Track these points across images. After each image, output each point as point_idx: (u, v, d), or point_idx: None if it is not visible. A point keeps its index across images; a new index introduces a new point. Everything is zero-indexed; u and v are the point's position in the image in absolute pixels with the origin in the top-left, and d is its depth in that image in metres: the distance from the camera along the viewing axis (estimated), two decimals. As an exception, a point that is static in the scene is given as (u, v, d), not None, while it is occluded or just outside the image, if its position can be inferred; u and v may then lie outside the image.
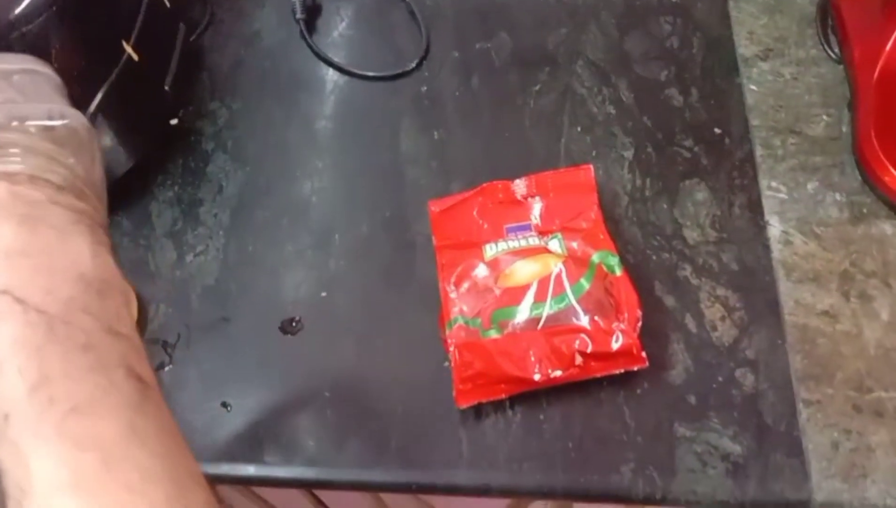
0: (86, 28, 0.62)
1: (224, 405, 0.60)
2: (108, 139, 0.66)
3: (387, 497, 0.83)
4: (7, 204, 0.33)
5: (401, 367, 0.60)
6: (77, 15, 0.60)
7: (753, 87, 0.72)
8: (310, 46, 0.79)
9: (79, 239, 0.33)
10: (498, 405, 0.58)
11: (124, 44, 0.65)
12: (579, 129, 0.71)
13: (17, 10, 0.57)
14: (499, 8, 0.80)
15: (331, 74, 0.78)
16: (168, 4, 0.72)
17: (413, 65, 0.76)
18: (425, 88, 0.76)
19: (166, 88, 0.71)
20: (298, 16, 0.79)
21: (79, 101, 0.62)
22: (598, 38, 0.76)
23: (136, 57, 0.66)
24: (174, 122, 0.74)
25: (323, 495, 0.82)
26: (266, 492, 0.83)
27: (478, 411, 0.58)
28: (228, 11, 0.83)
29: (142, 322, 0.64)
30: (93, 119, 0.63)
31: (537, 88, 0.74)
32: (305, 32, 0.79)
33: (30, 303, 0.30)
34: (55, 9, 0.58)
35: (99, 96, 0.63)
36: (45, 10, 0.58)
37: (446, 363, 0.59)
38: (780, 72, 0.73)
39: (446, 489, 0.56)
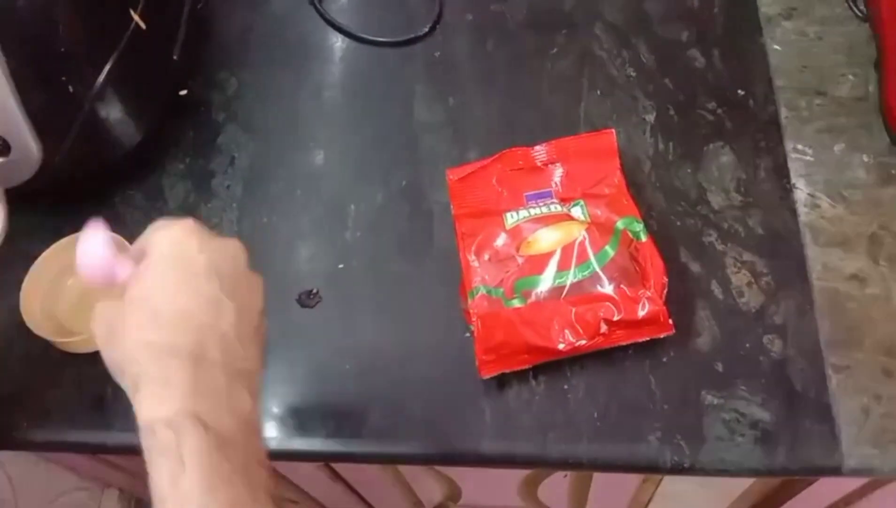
0: (92, -4, 0.60)
1: (243, 379, 0.59)
2: (117, 111, 0.65)
3: (406, 472, 0.82)
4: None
5: (422, 338, 0.59)
6: (83, -18, 0.58)
7: (777, 46, 0.70)
8: (319, 13, 0.77)
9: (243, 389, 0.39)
10: (521, 376, 0.57)
11: (132, 13, 0.63)
12: (599, 92, 0.69)
13: (22, -22, 0.55)
14: (513, -31, 0.78)
15: (341, 41, 0.76)
16: (174, -29, 0.70)
17: (426, 29, 0.75)
18: (439, 53, 0.74)
19: (175, 57, 0.70)
20: (307, -19, 0.77)
21: (87, 72, 0.61)
22: (616, -2, 0.74)
23: (143, 26, 0.64)
24: (183, 92, 0.72)
25: (342, 471, 0.81)
26: (285, 469, 0.82)
27: (501, 381, 0.57)
28: (235, -22, 0.80)
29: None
30: (102, 91, 0.62)
31: (554, 51, 0.72)
32: (314, -2, 0.77)
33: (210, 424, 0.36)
34: (61, -24, 0.57)
35: (107, 67, 0.62)
36: (50, -22, 0.56)
37: (468, 334, 0.58)
38: (805, 31, 0.71)
39: (470, 459, 0.56)
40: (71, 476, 1.00)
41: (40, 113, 0.60)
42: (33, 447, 0.60)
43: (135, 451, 0.59)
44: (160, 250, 0.40)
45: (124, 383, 0.39)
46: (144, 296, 0.39)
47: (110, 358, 0.40)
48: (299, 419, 0.57)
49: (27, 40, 0.57)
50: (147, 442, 0.37)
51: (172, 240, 0.40)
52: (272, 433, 0.57)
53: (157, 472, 0.36)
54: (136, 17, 0.64)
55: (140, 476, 0.91)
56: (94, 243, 0.42)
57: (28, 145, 0.61)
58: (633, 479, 0.74)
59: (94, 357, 0.60)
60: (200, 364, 0.38)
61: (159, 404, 0.37)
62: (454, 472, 0.81)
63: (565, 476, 0.78)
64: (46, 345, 0.60)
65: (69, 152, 0.64)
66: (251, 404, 0.39)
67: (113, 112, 0.64)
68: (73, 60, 0.61)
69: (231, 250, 0.42)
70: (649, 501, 0.81)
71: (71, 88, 0.61)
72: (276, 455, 0.58)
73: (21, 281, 0.60)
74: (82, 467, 0.99)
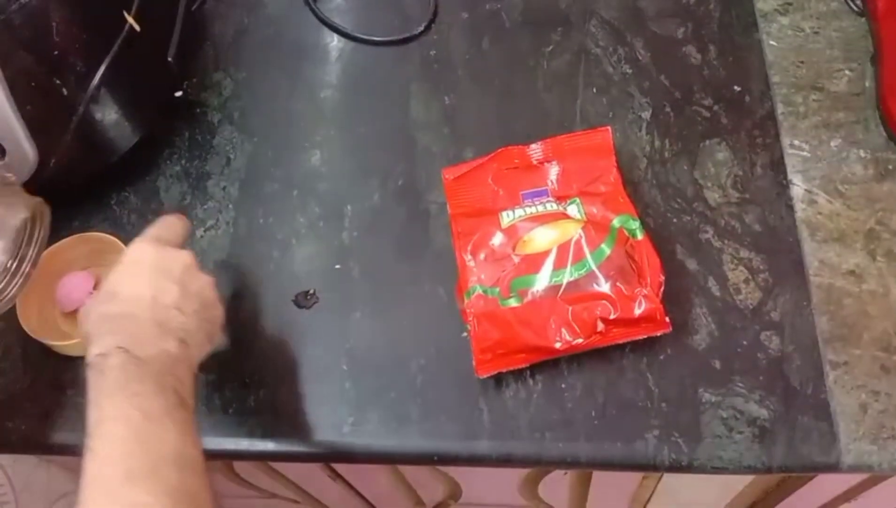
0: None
1: (244, 382, 0.59)
2: (112, 113, 0.65)
3: (405, 470, 0.82)
4: None
5: (419, 338, 0.59)
6: (76, -15, 0.58)
7: (773, 42, 0.70)
8: (314, 12, 0.77)
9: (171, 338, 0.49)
10: (519, 375, 0.57)
11: (126, 15, 0.63)
12: (595, 90, 0.69)
13: (15, -18, 0.55)
14: (508, -33, 0.78)
15: (337, 41, 0.76)
16: (168, -28, 0.70)
17: (421, 28, 0.74)
18: (434, 51, 0.74)
19: (169, 59, 0.69)
20: (302, -19, 0.77)
21: (82, 75, 0.61)
22: (611, -5, 0.74)
23: (137, 28, 0.64)
24: (179, 94, 0.72)
25: (342, 470, 0.82)
26: (285, 468, 0.82)
27: (498, 380, 0.57)
28: (230, -22, 0.80)
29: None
30: (96, 93, 0.62)
31: (550, 48, 0.72)
32: (310, -2, 0.77)
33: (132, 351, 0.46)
34: (53, -21, 0.56)
35: (102, 69, 0.62)
36: (43, -19, 0.56)
37: (464, 334, 0.58)
38: (801, 26, 0.70)
39: (468, 459, 0.56)
40: (72, 478, 1.00)
41: (35, 116, 0.60)
42: (32, 449, 0.60)
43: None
44: (124, 257, 0.52)
45: (88, 350, 0.48)
46: (109, 288, 0.50)
47: (82, 334, 0.50)
48: (297, 420, 0.57)
49: (20, 44, 0.57)
50: (88, 374, 0.46)
51: (134, 249, 0.53)
52: (270, 434, 0.57)
53: (89, 388, 0.45)
54: (129, 20, 0.64)
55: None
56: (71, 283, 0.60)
57: (23, 149, 0.61)
58: (634, 476, 0.74)
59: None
60: (136, 320, 0.48)
61: (98, 346, 0.47)
62: (454, 470, 0.81)
63: (565, 473, 0.78)
64: (44, 348, 0.60)
65: (64, 155, 0.63)
66: (178, 347, 0.48)
67: (108, 114, 0.64)
68: (66, 63, 0.60)
69: (183, 256, 0.53)
70: (650, 497, 0.81)
71: (65, 91, 0.61)
72: (276, 457, 0.58)
73: (18, 285, 0.60)
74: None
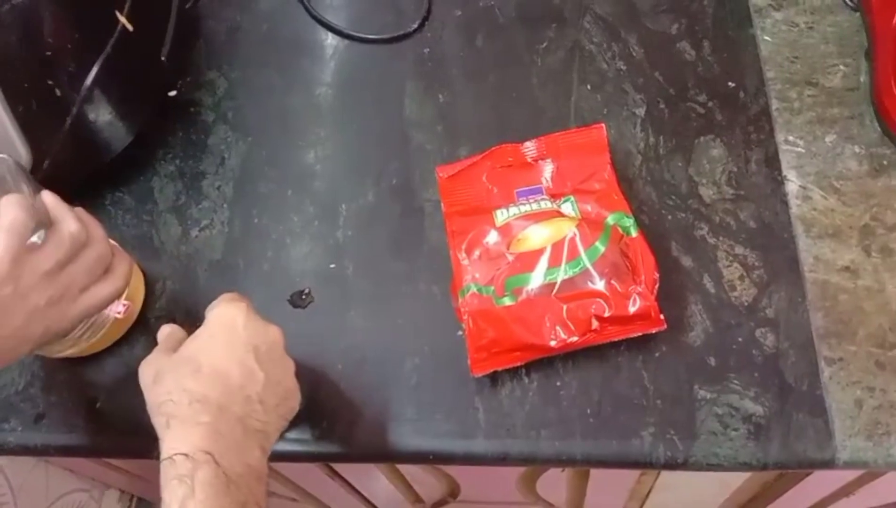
0: (77, -1, 0.60)
1: (236, 380, 0.59)
2: (105, 113, 0.64)
3: (404, 469, 0.82)
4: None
5: (414, 337, 0.59)
6: (67, -15, 0.58)
7: (767, 38, 0.69)
8: (308, 10, 0.77)
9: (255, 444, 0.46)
10: (514, 373, 0.57)
11: (118, 14, 0.63)
12: (589, 87, 0.69)
13: (6, -18, 0.55)
14: (501, -36, 0.77)
15: (330, 39, 0.75)
16: (161, -29, 0.70)
17: (415, 26, 0.74)
18: (428, 49, 0.73)
19: (163, 58, 0.69)
20: (295, -21, 0.77)
21: (75, 75, 0.61)
22: (606, -9, 0.74)
23: (130, 28, 0.64)
24: (172, 93, 0.72)
25: (340, 468, 0.82)
26: (283, 466, 0.82)
27: (493, 379, 0.57)
28: (223, -23, 0.80)
29: (148, 299, 0.62)
30: (90, 93, 0.62)
31: (544, 45, 0.71)
32: (303, -4, 0.77)
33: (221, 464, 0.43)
34: (44, -21, 0.56)
35: (94, 70, 0.62)
36: (34, -19, 0.56)
37: (459, 332, 0.58)
38: (795, 21, 0.70)
39: (464, 458, 0.56)
40: (70, 478, 1.00)
41: (28, 117, 0.60)
42: (28, 451, 0.60)
43: (130, 454, 0.59)
44: (213, 320, 0.49)
45: (157, 420, 0.46)
46: (192, 354, 0.47)
47: (150, 398, 0.47)
48: (293, 419, 0.57)
49: (12, 45, 0.57)
50: (166, 470, 0.42)
51: (224, 315, 0.49)
52: (266, 434, 0.57)
53: (170, 495, 0.41)
54: (122, 19, 0.63)
55: (139, 476, 0.91)
56: None
57: (16, 150, 0.61)
58: (631, 472, 0.74)
59: (87, 362, 0.60)
60: (223, 415, 0.45)
61: (183, 439, 0.43)
62: (453, 468, 0.81)
63: (563, 470, 0.78)
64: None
65: (58, 156, 0.63)
66: (259, 458, 0.46)
67: (101, 115, 0.64)
68: (59, 64, 0.60)
69: (272, 332, 0.50)
70: (648, 493, 0.81)
71: (58, 92, 0.61)
72: (271, 457, 0.58)
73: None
74: (82, 468, 0.99)
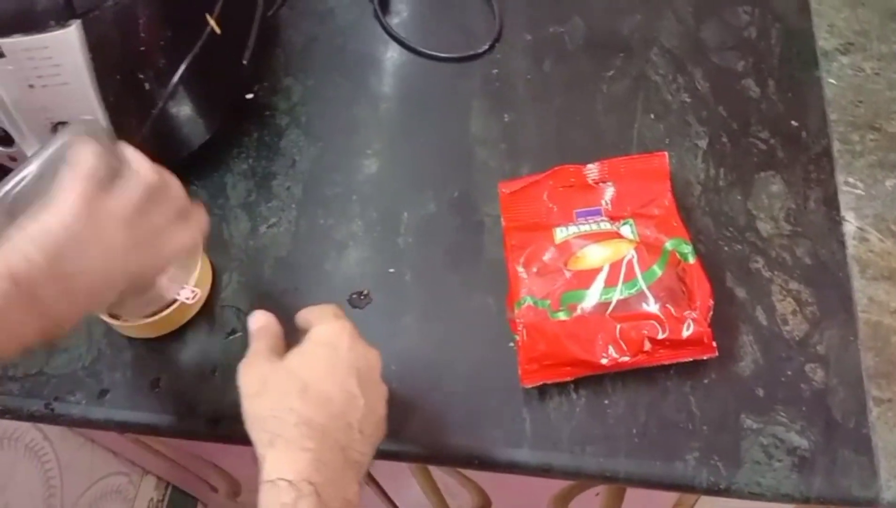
0: (173, 0, 0.63)
1: (293, 373, 0.61)
2: (188, 110, 0.68)
3: (438, 477, 0.83)
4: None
5: (466, 345, 0.61)
6: (166, -14, 0.62)
7: (833, 80, 0.71)
8: (382, 26, 0.80)
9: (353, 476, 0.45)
10: (562, 387, 0.58)
11: (208, 17, 0.67)
12: (652, 116, 0.70)
13: (110, -20, 0.59)
14: (573, -8, 0.80)
15: (402, 54, 0.78)
16: (249, -21, 0.73)
17: (485, 47, 0.77)
18: (496, 70, 0.76)
19: (244, 62, 0.73)
20: (373, -5, 0.80)
21: (163, 72, 0.65)
22: (673, 25, 0.76)
23: (218, 30, 0.67)
24: (250, 96, 0.75)
25: (377, 471, 0.83)
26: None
27: (542, 391, 0.58)
28: (304, -11, 0.84)
29: (214, 289, 0.65)
30: (175, 89, 0.65)
31: (610, 73, 0.73)
32: (379, 12, 0.80)
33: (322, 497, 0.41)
34: (146, -21, 0.60)
35: (182, 68, 0.65)
36: (136, -19, 0.59)
37: (511, 344, 0.60)
38: (861, 66, 0.71)
39: (508, 466, 0.57)
40: (113, 461, 1.03)
41: (117, 107, 0.63)
42: (91, 424, 0.63)
43: (185, 434, 0.62)
44: (319, 337, 0.48)
45: (259, 435, 0.45)
46: (298, 370, 0.47)
47: (253, 409, 0.47)
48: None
49: (110, 38, 0.60)
50: (268, 493, 0.42)
51: (331, 333, 0.48)
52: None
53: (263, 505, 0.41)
54: (211, 22, 0.67)
55: (180, 465, 0.93)
56: None
57: (104, 138, 0.65)
58: (667, 498, 0.75)
59: (152, 343, 0.63)
60: (327, 442, 0.44)
61: (289, 464, 0.43)
62: (486, 481, 0.82)
63: (597, 494, 0.79)
64: (107, 327, 0.63)
65: (141, 147, 0.66)
66: (356, 493, 0.44)
67: (184, 111, 0.67)
68: (151, 59, 0.64)
69: (372, 357, 0.49)
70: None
71: (147, 86, 0.64)
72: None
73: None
74: (125, 450, 1.02)
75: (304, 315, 0.51)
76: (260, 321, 0.52)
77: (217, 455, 0.94)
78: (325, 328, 0.49)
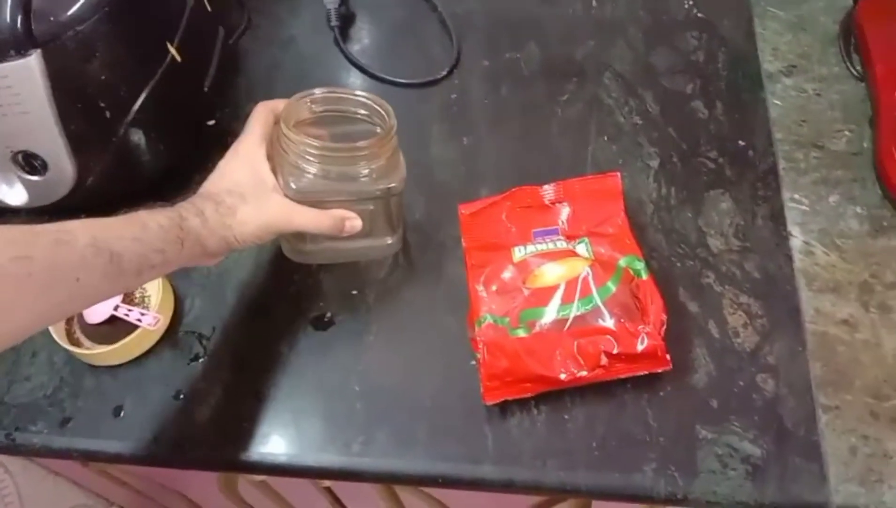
0: (134, 28, 0.64)
1: (257, 395, 0.61)
2: (149, 137, 0.68)
3: (404, 498, 0.84)
4: None
5: (429, 364, 0.62)
6: (127, 16, 0.63)
7: (777, 101, 0.73)
8: (343, 53, 0.81)
9: None
10: (523, 403, 0.59)
11: (169, 45, 0.67)
12: (606, 138, 0.72)
13: (71, 10, 0.60)
14: (529, 20, 0.82)
15: (364, 80, 0.80)
16: (209, 8, 0.74)
17: (444, 73, 0.78)
18: (455, 95, 0.78)
19: (205, 89, 0.74)
20: (333, 23, 0.82)
21: (124, 100, 0.65)
22: (625, 51, 0.78)
23: (178, 58, 0.68)
24: (212, 122, 0.76)
25: (342, 492, 0.83)
26: (287, 491, 0.84)
27: (503, 408, 0.59)
28: (265, 17, 0.85)
29: (177, 315, 0.65)
30: (136, 117, 0.66)
31: (565, 97, 0.76)
32: (339, 39, 0.82)
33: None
34: (107, 9, 0.61)
35: (143, 96, 0.66)
36: (97, 11, 0.60)
37: (473, 362, 0.61)
38: (804, 88, 0.74)
39: (471, 483, 0.58)
40: (76, 492, 1.02)
41: (78, 136, 0.64)
42: (53, 454, 0.62)
43: (149, 461, 0.61)
44: None
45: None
46: None
47: None
48: (309, 435, 0.59)
49: (71, 67, 0.61)
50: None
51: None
52: (283, 448, 0.59)
53: None
54: (172, 50, 0.68)
55: (146, 495, 0.92)
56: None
57: (64, 166, 0.65)
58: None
59: (114, 370, 0.63)
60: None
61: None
62: (454, 500, 0.83)
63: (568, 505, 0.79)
64: (69, 356, 0.63)
65: (101, 174, 0.67)
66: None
67: (145, 138, 0.68)
68: (111, 88, 0.64)
69: None
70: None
71: (108, 114, 0.65)
72: (286, 471, 0.60)
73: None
74: (89, 482, 1.00)
75: None
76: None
77: (182, 484, 0.94)
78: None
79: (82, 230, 0.46)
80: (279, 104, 0.61)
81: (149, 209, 0.53)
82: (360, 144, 0.58)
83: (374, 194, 0.60)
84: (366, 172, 0.58)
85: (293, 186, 0.57)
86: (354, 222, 0.59)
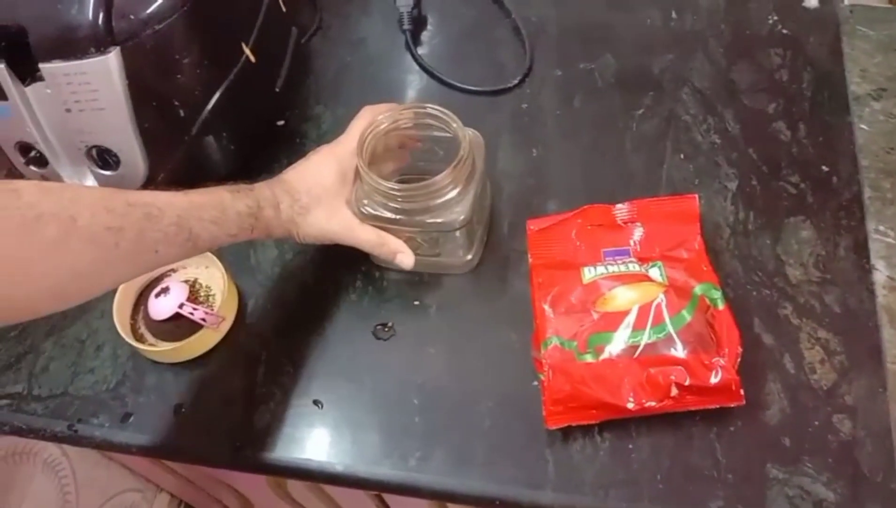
0: (211, 28, 0.64)
1: (316, 402, 0.61)
2: (220, 136, 0.68)
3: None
4: None
5: (490, 381, 0.61)
6: (204, 15, 0.62)
7: (864, 126, 0.70)
8: (414, 57, 0.80)
9: None
10: (587, 430, 0.57)
11: (244, 46, 0.67)
12: (682, 156, 0.70)
13: (150, 9, 0.60)
14: (604, 29, 0.80)
15: (432, 85, 0.79)
16: (284, 8, 0.74)
17: (515, 81, 0.77)
18: (526, 105, 0.76)
19: (277, 90, 0.74)
20: (405, 26, 0.81)
21: (198, 98, 0.65)
22: (705, 65, 0.76)
23: (252, 59, 0.68)
24: (281, 123, 0.76)
25: (390, 500, 0.83)
26: (335, 490, 0.84)
27: (566, 433, 0.58)
28: (337, 17, 0.85)
29: (240, 315, 0.65)
30: (209, 116, 0.66)
31: (640, 111, 0.73)
32: (410, 42, 0.81)
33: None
34: (186, 9, 0.61)
35: (217, 95, 0.66)
36: (176, 10, 0.60)
37: (535, 382, 0.59)
38: (893, 113, 0.71)
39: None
40: (128, 477, 1.04)
41: (151, 133, 0.64)
42: (113, 448, 0.63)
43: (205, 461, 0.62)
44: None
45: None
46: None
47: None
48: (365, 447, 0.59)
49: (148, 65, 0.61)
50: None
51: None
52: (339, 458, 0.59)
53: None
54: (247, 51, 0.68)
55: (192, 482, 0.92)
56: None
57: (136, 162, 0.66)
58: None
59: (176, 368, 0.63)
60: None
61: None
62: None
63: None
64: (133, 351, 0.63)
65: (172, 172, 0.67)
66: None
67: (216, 137, 0.68)
68: (186, 87, 0.65)
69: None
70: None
71: (182, 113, 0.65)
72: (342, 481, 0.59)
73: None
74: (141, 468, 1.02)
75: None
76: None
77: (231, 477, 0.94)
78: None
79: (170, 208, 0.50)
80: (384, 109, 0.63)
81: (231, 191, 0.56)
82: (421, 184, 0.58)
83: (433, 230, 0.61)
84: (424, 208, 0.59)
85: (362, 211, 0.60)
86: (405, 261, 0.62)
